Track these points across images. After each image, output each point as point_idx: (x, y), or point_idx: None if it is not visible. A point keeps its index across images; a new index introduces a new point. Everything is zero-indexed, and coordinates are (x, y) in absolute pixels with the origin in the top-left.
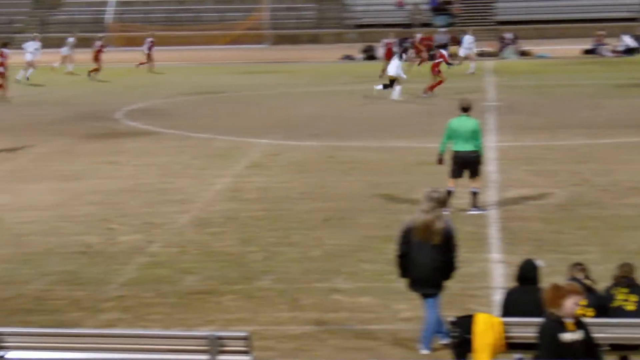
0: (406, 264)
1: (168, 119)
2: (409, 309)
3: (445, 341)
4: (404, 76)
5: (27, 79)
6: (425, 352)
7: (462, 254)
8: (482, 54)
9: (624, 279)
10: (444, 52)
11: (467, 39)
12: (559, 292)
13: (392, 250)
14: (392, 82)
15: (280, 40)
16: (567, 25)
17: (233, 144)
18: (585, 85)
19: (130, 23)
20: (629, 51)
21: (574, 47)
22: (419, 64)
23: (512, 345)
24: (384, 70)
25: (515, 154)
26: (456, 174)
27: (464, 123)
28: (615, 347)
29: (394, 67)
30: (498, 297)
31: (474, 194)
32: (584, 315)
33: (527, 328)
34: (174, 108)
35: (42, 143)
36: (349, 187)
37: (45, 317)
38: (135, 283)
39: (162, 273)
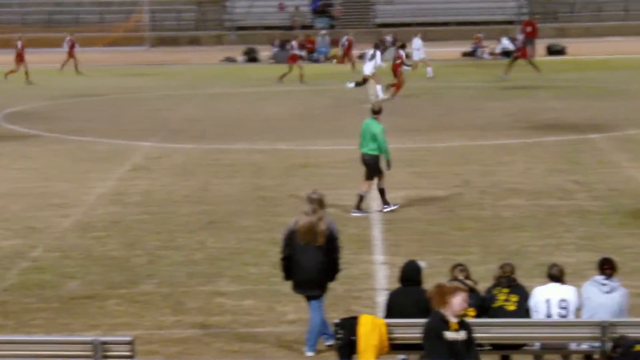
0: (290, 266)
1: (49, 122)
2: (293, 311)
3: (330, 343)
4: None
5: None
6: (310, 354)
7: (346, 256)
8: (361, 56)
9: (504, 279)
10: (402, 52)
11: (417, 42)
12: (446, 291)
13: (276, 252)
14: (364, 81)
15: (160, 42)
16: (447, 28)
17: (115, 147)
18: (465, 87)
19: (5, 25)
20: (507, 54)
21: (453, 50)
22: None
23: (396, 346)
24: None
25: (397, 156)
26: (367, 175)
27: (368, 126)
28: (497, 347)
29: (370, 66)
30: (382, 298)
31: (360, 196)
32: (466, 315)
33: (411, 329)
34: (54, 111)
35: None
36: (232, 189)
37: None
38: (17, 288)
39: (45, 278)
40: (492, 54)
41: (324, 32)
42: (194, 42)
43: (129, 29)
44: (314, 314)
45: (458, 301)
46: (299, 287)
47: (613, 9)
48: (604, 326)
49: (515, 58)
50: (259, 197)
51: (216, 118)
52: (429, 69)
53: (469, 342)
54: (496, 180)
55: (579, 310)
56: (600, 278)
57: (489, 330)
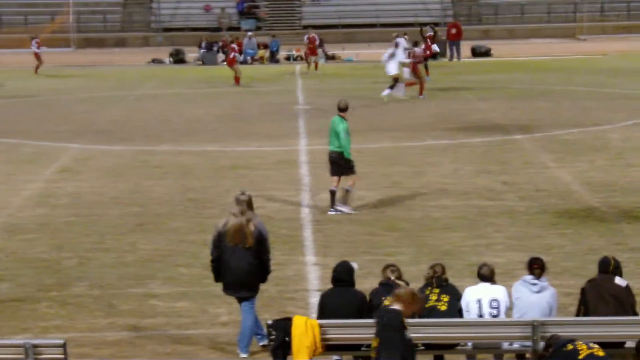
0: (220, 268)
1: None
2: (226, 313)
3: (264, 343)
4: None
5: None
6: (244, 355)
7: (278, 257)
8: (289, 58)
9: (435, 280)
10: (418, 50)
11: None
12: (417, 301)
13: (207, 254)
14: (396, 81)
15: (86, 43)
16: (373, 29)
17: (42, 148)
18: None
19: None
20: (433, 55)
21: (380, 52)
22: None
23: (330, 347)
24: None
25: (326, 158)
26: (331, 172)
27: (334, 123)
28: (430, 347)
29: (393, 65)
30: (315, 299)
31: (331, 192)
32: None
33: (344, 329)
34: None
35: None
36: (162, 191)
37: None
38: None
39: None
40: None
41: (250, 33)
42: (120, 43)
43: (54, 31)
44: (246, 315)
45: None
46: (229, 289)
47: (536, 11)
48: (534, 325)
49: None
50: (188, 199)
51: (144, 119)
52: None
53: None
54: (425, 181)
55: (510, 310)
56: (529, 278)
57: (421, 330)
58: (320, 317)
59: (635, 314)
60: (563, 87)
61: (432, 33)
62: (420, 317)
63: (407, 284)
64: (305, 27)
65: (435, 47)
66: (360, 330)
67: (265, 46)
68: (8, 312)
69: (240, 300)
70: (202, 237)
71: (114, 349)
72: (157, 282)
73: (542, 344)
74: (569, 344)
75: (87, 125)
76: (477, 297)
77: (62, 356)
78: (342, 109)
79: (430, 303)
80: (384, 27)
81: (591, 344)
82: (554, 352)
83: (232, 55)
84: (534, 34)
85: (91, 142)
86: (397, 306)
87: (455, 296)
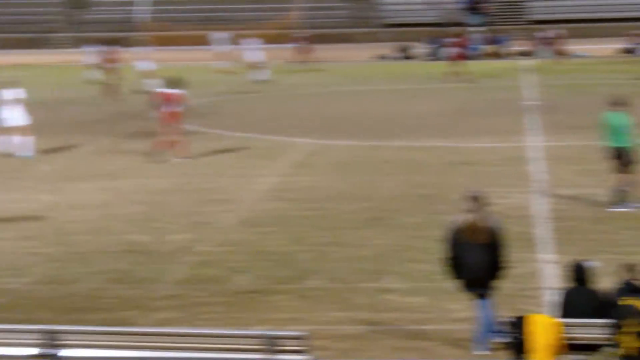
0: (456, 265)
1: (207, 118)
2: (461, 309)
3: (499, 341)
4: None
5: None
6: (479, 352)
7: (513, 254)
8: (518, 54)
9: None
10: None
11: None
12: None
13: (439, 250)
14: None
15: (313, 39)
16: (601, 24)
17: (276, 143)
18: (625, 85)
19: (162, 22)
20: None
21: (608, 47)
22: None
23: (572, 347)
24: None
25: (561, 154)
26: (616, 169)
27: (614, 118)
28: None
29: None
30: (551, 297)
31: (622, 191)
32: None
33: (582, 329)
34: (212, 107)
35: (87, 142)
36: (392, 186)
37: (98, 315)
38: (187, 282)
39: (213, 272)
40: None
41: (476, 29)
42: (346, 39)
43: (281, 27)
44: (483, 312)
45: None
46: (466, 286)
47: None
48: None
49: None
50: (419, 194)
51: (372, 115)
52: None
53: None
54: None
55: None
56: None
57: None
58: (561, 315)
59: None
60: None
61: None
62: None
63: None
64: (533, 22)
65: None
66: (600, 330)
67: (492, 41)
68: (246, 304)
69: (477, 296)
70: (435, 232)
71: (351, 342)
72: (392, 277)
73: None
74: None
75: (318, 120)
76: None
77: (303, 348)
78: (620, 104)
79: None
80: (613, 21)
81: None
82: None
83: (457, 50)
84: None
85: (323, 137)
86: None
87: None
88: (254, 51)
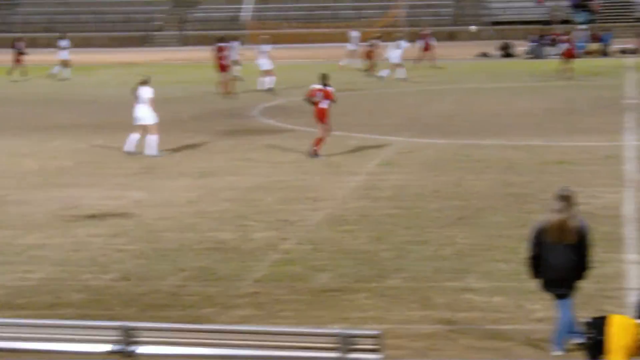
0: (538, 264)
1: (303, 116)
2: (542, 309)
3: (579, 342)
4: None
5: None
6: (557, 353)
7: (598, 255)
8: (623, 52)
9: None
10: None
11: None
12: None
13: (525, 249)
14: None
15: (416, 37)
16: None
17: (367, 141)
18: None
19: (267, 20)
20: None
21: None
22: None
23: None
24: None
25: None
26: None
27: None
28: None
29: None
30: (633, 298)
31: None
32: None
33: None
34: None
35: (178, 140)
36: (483, 185)
37: (178, 312)
38: (268, 280)
39: (295, 270)
40: None
41: (583, 26)
42: (451, 37)
43: (385, 25)
44: (563, 312)
45: None
46: (548, 286)
47: None
48: None
49: None
50: (509, 193)
51: (470, 113)
52: None
53: None
54: None
55: None
56: None
57: None
58: (638, 316)
59: None
60: None
61: None
62: None
63: None
64: None
65: None
66: None
67: (598, 39)
68: (328, 302)
69: (558, 297)
70: (522, 232)
71: (429, 341)
72: (473, 276)
73: None
74: None
75: (413, 118)
76: None
77: (376, 347)
78: None
79: None
80: None
81: None
82: None
83: (567, 47)
84: None
85: (416, 136)
86: None
87: None
88: (393, 51)
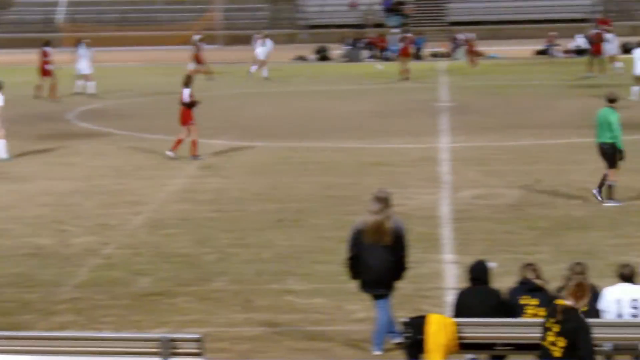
0: (357, 265)
1: (121, 120)
2: (362, 310)
3: (398, 341)
4: None
5: None
6: (377, 352)
7: (415, 255)
8: (435, 55)
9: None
10: None
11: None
12: (585, 291)
13: (345, 251)
14: None
15: (233, 40)
16: (520, 26)
17: (186, 144)
18: (537, 85)
19: (81, 23)
20: (580, 52)
21: (526, 48)
22: None
23: (464, 346)
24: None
25: (468, 155)
26: (609, 165)
27: (605, 115)
28: None
29: None
30: (450, 297)
31: (609, 186)
32: (537, 315)
33: (480, 328)
34: (126, 109)
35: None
36: (302, 188)
37: None
38: (88, 285)
39: (116, 275)
40: (565, 52)
41: (395, 30)
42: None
43: (201, 28)
44: (381, 313)
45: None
46: (366, 286)
47: None
48: None
49: (593, 55)
50: (329, 196)
51: (288, 116)
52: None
53: None
54: (567, 179)
55: None
56: None
57: None
58: (455, 315)
59: None
60: None
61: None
62: None
63: (546, 283)
64: (452, 23)
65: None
66: (496, 329)
67: (412, 42)
68: (149, 306)
69: (376, 297)
70: (341, 234)
71: (251, 344)
72: (294, 278)
73: None
74: None
75: (233, 121)
76: (617, 297)
77: (198, 351)
78: (612, 100)
79: None
80: (531, 23)
81: None
82: None
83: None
84: None
85: (236, 139)
86: (570, 302)
87: (595, 296)
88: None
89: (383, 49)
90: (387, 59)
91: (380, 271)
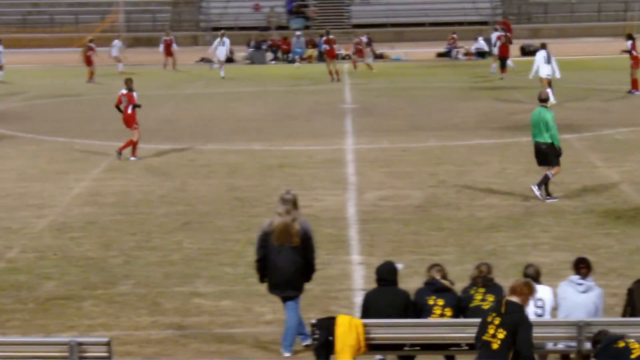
0: (265, 267)
1: (24, 122)
2: (270, 312)
3: (307, 343)
4: None
5: None
6: (287, 354)
7: (323, 256)
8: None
9: (480, 279)
10: None
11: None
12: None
13: (252, 253)
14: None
15: (136, 42)
16: (423, 28)
17: (91, 147)
18: (438, 88)
19: None
20: (482, 54)
21: (430, 50)
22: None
23: (373, 347)
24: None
25: (372, 156)
26: (539, 162)
27: (540, 114)
28: (474, 347)
29: (546, 69)
30: (359, 298)
31: (546, 182)
32: (444, 315)
33: (388, 329)
34: (29, 111)
35: None
36: (208, 190)
37: None
38: None
39: (21, 279)
40: (467, 54)
41: (299, 32)
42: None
43: (104, 30)
44: (290, 314)
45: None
46: (274, 288)
47: (586, 10)
48: (580, 326)
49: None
50: (235, 198)
51: (191, 119)
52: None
53: None
54: (471, 181)
55: (554, 310)
56: (575, 278)
57: (465, 330)
58: (363, 316)
59: None
60: (613, 86)
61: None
62: (464, 316)
63: (452, 283)
64: (355, 26)
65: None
66: (404, 329)
67: (314, 45)
68: (54, 310)
69: (285, 299)
70: (248, 235)
71: (159, 347)
72: (201, 281)
73: (587, 345)
74: (619, 341)
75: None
76: None
77: (106, 354)
78: (544, 100)
79: (475, 303)
80: (433, 26)
81: None
82: (604, 348)
83: (327, 48)
84: (584, 33)
85: (140, 141)
86: (515, 299)
87: (500, 296)
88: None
89: (286, 52)
90: (291, 62)
91: (289, 273)
